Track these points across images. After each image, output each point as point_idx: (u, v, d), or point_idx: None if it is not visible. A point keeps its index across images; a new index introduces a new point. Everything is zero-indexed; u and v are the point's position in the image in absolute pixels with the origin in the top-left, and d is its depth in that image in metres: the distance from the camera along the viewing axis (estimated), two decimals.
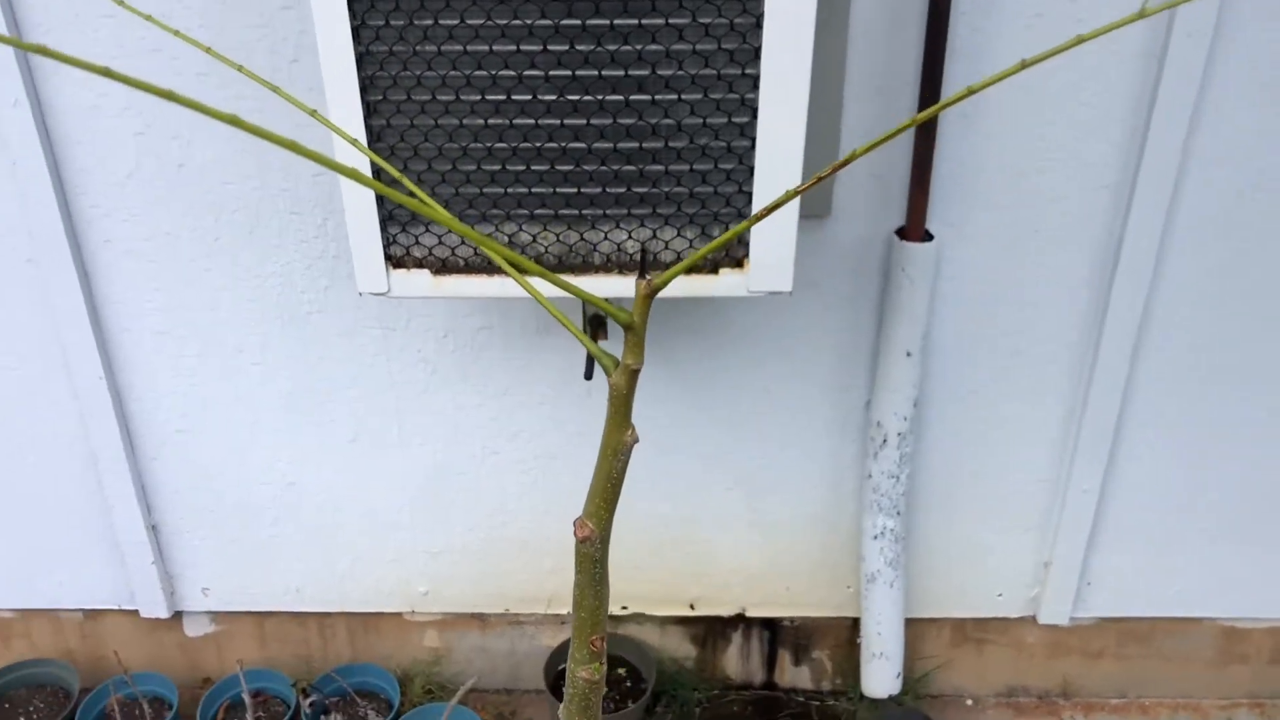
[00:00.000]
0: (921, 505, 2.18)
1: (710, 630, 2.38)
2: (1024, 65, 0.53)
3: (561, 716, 0.75)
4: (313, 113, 0.86)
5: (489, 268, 1.46)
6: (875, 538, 2.14)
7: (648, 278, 0.56)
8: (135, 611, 2.34)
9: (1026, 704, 2.44)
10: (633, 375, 0.59)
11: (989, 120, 1.82)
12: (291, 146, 0.50)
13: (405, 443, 2.14)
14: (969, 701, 2.44)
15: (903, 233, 1.89)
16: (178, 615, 2.35)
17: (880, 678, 2.28)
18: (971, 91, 0.56)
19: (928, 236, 1.88)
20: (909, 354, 1.96)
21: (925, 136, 1.79)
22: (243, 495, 2.20)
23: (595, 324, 1.94)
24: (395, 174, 0.78)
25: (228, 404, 2.10)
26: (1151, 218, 1.87)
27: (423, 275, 1.47)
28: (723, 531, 2.23)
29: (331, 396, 2.09)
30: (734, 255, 1.45)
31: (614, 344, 2.00)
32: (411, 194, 1.23)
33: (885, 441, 2.04)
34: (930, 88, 1.76)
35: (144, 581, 2.26)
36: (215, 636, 2.38)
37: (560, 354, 2.04)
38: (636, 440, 0.62)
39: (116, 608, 2.33)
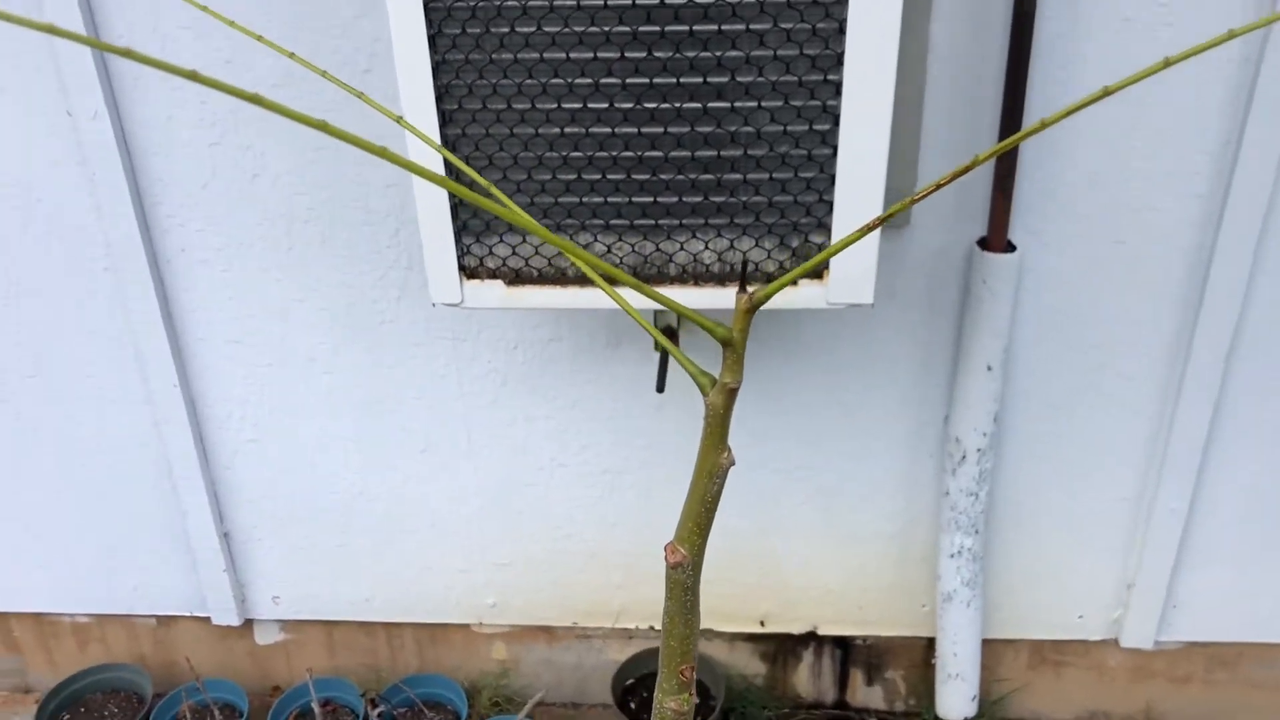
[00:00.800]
0: (1000, 523, 2.12)
1: (781, 647, 2.33)
2: (1106, 92, 0.50)
3: None
4: (398, 119, 0.84)
5: (563, 278, 1.44)
6: (952, 556, 2.09)
7: (749, 291, 0.53)
8: (207, 619, 2.35)
9: None
10: (730, 394, 0.56)
11: (1073, 126, 1.76)
12: (380, 152, 0.48)
13: (474, 453, 2.13)
14: None
15: (984, 243, 1.84)
16: (248, 623, 2.36)
17: (955, 700, 2.22)
18: (1044, 125, 0.52)
19: (1010, 247, 1.83)
20: (989, 368, 1.90)
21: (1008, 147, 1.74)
22: (313, 504, 2.20)
23: (667, 335, 1.91)
24: (477, 178, 0.76)
25: (299, 413, 2.11)
26: (1245, 228, 1.80)
27: (496, 286, 1.45)
28: (795, 547, 2.19)
29: (402, 406, 2.09)
30: (815, 269, 1.41)
31: (688, 351, 1.97)
32: (494, 199, 1.22)
33: (964, 458, 1.99)
34: (1014, 95, 1.71)
35: (216, 589, 2.28)
36: (285, 645, 2.39)
37: (630, 366, 2.01)
38: (732, 463, 0.59)
39: (189, 614, 2.35)
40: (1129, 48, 1.70)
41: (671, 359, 1.93)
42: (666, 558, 0.62)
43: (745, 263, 0.45)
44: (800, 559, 2.20)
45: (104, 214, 1.91)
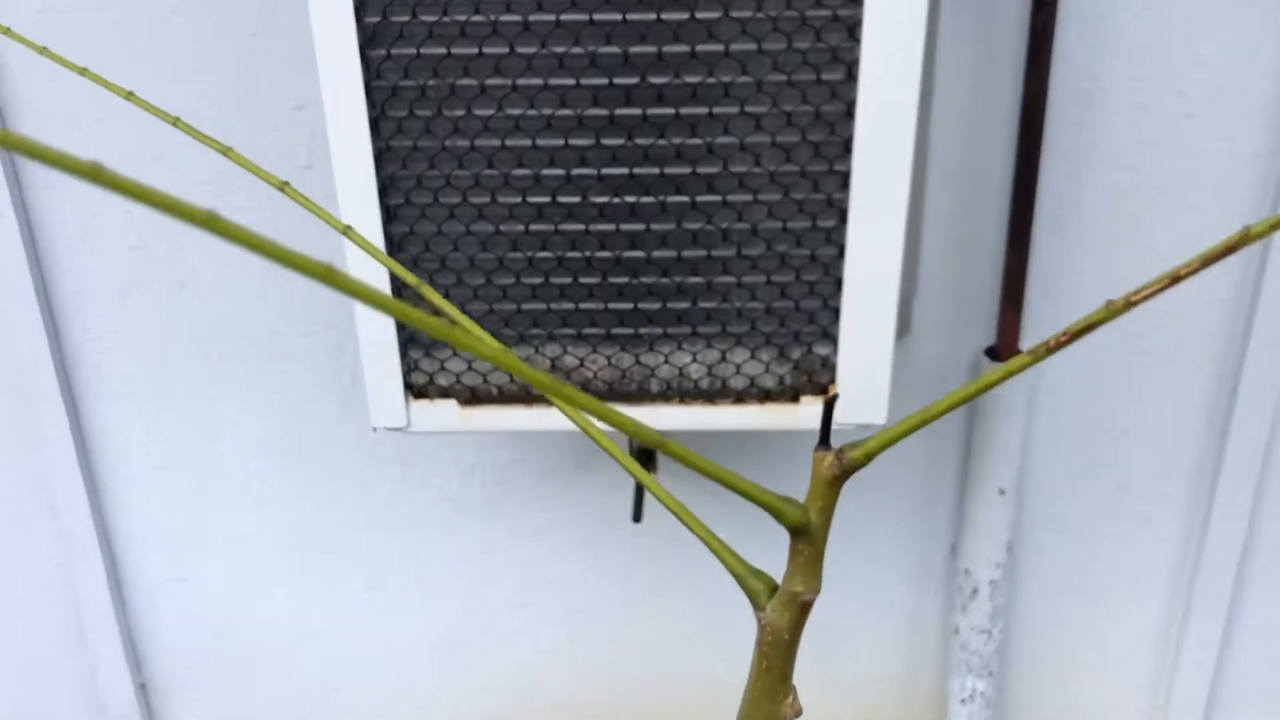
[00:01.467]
0: (1015, 664, 1.91)
1: None
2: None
3: None
4: (345, 229, 0.65)
5: (527, 397, 1.24)
6: (964, 702, 1.87)
7: (836, 450, 0.33)
8: None
9: None
10: (803, 609, 0.36)
11: (1087, 228, 1.61)
12: (324, 275, 0.28)
13: (425, 592, 1.90)
14: None
15: (993, 353, 1.66)
16: None
17: None
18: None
19: None
20: (1002, 491, 1.71)
21: (1018, 248, 1.58)
22: (244, 651, 1.95)
23: (644, 457, 1.71)
24: (437, 300, 0.57)
25: (229, 548, 1.87)
26: (1275, 334, 1.64)
27: (449, 406, 1.25)
28: None
29: (343, 540, 1.86)
30: (818, 381, 1.22)
31: (665, 479, 1.77)
32: (445, 316, 1.03)
33: (975, 592, 1.79)
34: (1024, 192, 1.55)
35: None
36: None
37: (602, 490, 1.80)
38: (799, 712, 0.38)
39: None
40: (1149, 139, 1.55)
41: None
42: None
43: (832, 400, 0.29)
44: None
45: (8, 327, 1.69)
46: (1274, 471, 1.75)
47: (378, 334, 1.21)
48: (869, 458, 0.34)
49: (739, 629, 1.90)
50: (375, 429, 1.32)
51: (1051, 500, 1.78)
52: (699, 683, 1.94)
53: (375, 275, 1.18)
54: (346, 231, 0.66)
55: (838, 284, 1.16)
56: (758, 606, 0.37)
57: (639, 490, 1.65)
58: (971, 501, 1.74)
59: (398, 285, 1.17)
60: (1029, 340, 1.67)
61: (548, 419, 1.25)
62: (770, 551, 1.83)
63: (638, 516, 1.64)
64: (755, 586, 0.38)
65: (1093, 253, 1.62)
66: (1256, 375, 1.66)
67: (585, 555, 1.86)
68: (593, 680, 1.95)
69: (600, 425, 1.24)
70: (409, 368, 1.23)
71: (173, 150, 1.60)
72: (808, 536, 0.34)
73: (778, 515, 0.34)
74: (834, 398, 0.32)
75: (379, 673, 1.96)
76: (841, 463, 0.33)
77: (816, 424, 1.24)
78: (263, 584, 1.90)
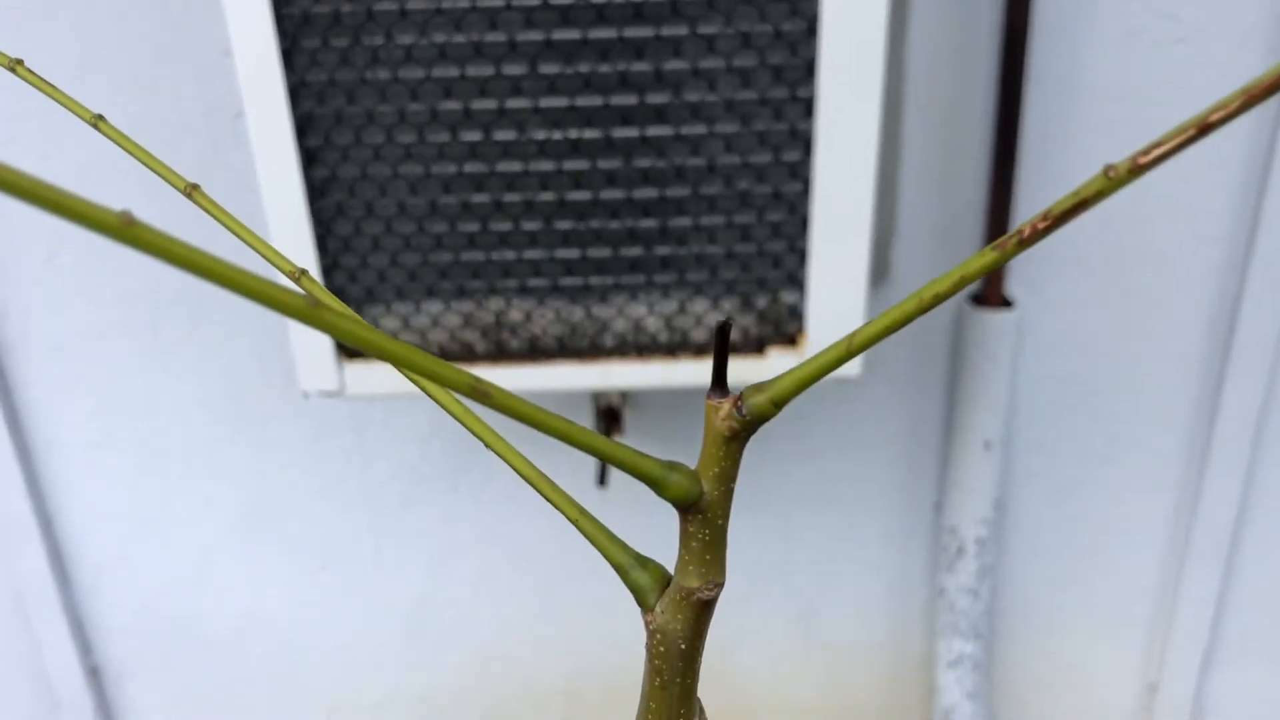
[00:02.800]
0: (1004, 625, 1.83)
1: None
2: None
3: None
4: (301, 274, 0.55)
5: (470, 355, 1.14)
6: (951, 665, 1.78)
7: (734, 396, 0.23)
8: None
9: None
10: (699, 610, 0.27)
11: (1076, 164, 1.50)
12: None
13: (384, 566, 1.80)
14: None
15: (977, 298, 1.57)
16: None
17: None
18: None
19: (1006, 303, 1.56)
20: (988, 445, 1.62)
21: (1002, 180, 1.48)
22: (197, 631, 1.86)
23: (608, 418, 1.62)
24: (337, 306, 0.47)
25: (176, 525, 1.77)
26: (1275, 274, 1.55)
27: (385, 368, 1.14)
28: (768, 659, 1.87)
29: (295, 514, 1.76)
30: (785, 331, 1.12)
31: (632, 440, 1.67)
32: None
33: (961, 551, 1.70)
34: (1007, 126, 1.45)
35: None
36: None
37: (568, 453, 1.70)
38: None
39: None
40: (1137, 66, 1.45)
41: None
42: None
43: (726, 326, 0.22)
44: (773, 673, 1.89)
45: None
46: (1271, 421, 1.66)
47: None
48: (778, 406, 0.24)
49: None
50: (306, 394, 1.22)
51: (1040, 454, 1.69)
52: None
53: (298, 242, 1.07)
54: (302, 275, 0.55)
55: (804, 224, 1.06)
56: (645, 606, 0.28)
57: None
58: (956, 456, 1.65)
59: (322, 239, 1.07)
60: (1015, 285, 1.57)
61: (495, 379, 1.15)
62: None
63: (603, 479, 1.54)
64: (640, 581, 0.28)
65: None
66: (1252, 321, 1.57)
67: (551, 524, 1.76)
68: (562, 652, 1.87)
69: (511, 384, 1.15)
70: None
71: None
72: (702, 514, 0.25)
73: (658, 487, 0.25)
74: (727, 322, 0.22)
75: (339, 652, 1.87)
76: (742, 413, 0.24)
77: None
78: (214, 561, 1.80)
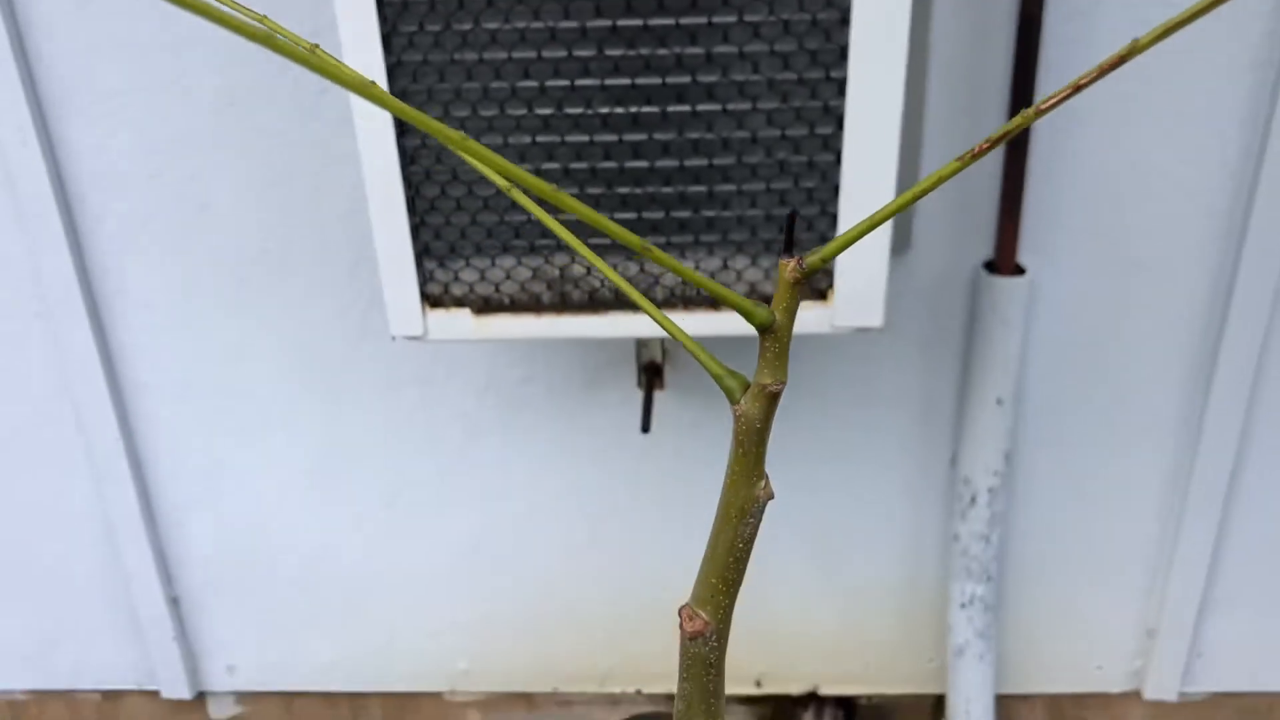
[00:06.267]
0: (1013, 570, 1.97)
1: (778, 711, 2.16)
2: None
3: None
4: (371, 86, 0.70)
5: (537, 305, 1.29)
6: (963, 606, 1.93)
7: (796, 256, 0.38)
8: (156, 692, 2.16)
9: None
10: (772, 400, 0.42)
11: (1084, 139, 1.64)
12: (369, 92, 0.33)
13: (443, 506, 1.96)
14: None
15: (991, 266, 1.71)
16: (201, 696, 2.17)
17: None
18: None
19: (1019, 270, 1.70)
20: (1000, 401, 1.76)
21: (1016, 156, 1.62)
22: (270, 565, 2.03)
23: (651, 372, 1.77)
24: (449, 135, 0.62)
25: (253, 466, 1.94)
26: (1269, 245, 1.68)
27: (463, 315, 1.30)
28: (793, 601, 2.03)
29: (364, 458, 1.92)
30: (816, 286, 1.27)
31: (671, 394, 1.83)
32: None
33: (974, 500, 1.84)
34: (1021, 105, 1.58)
35: (165, 659, 2.09)
36: (241, 719, 2.20)
37: (610, 407, 1.86)
38: (771, 495, 0.44)
39: (136, 688, 2.16)
40: (1146, 53, 1.57)
41: (658, 395, 1.78)
42: (682, 625, 0.47)
43: (792, 217, 0.33)
44: (797, 612, 2.04)
45: (35, 253, 1.75)
46: (1267, 379, 1.79)
47: (394, 245, 1.26)
48: (824, 262, 0.39)
49: None
50: (394, 337, 1.37)
51: (1048, 410, 1.83)
52: None
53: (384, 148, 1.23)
54: (372, 86, 0.70)
55: (835, 190, 1.21)
56: (733, 401, 0.43)
57: (648, 401, 1.70)
58: (970, 411, 1.79)
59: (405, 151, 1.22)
60: (1027, 254, 1.71)
61: (558, 326, 1.30)
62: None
63: (646, 427, 1.70)
64: (731, 384, 0.43)
65: (1090, 161, 1.65)
66: (1249, 284, 1.70)
67: (596, 467, 1.92)
68: (606, 582, 2.02)
69: (574, 331, 1.30)
70: (425, 278, 1.28)
71: (184, 77, 1.64)
72: (774, 334, 0.39)
73: (748, 316, 0.39)
74: (795, 213, 0.36)
75: (402, 583, 2.04)
76: (802, 267, 0.38)
77: (815, 329, 1.29)
78: (288, 500, 1.97)
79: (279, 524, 1.99)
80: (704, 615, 0.47)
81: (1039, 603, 2.01)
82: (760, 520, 0.45)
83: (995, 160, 1.65)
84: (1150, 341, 1.78)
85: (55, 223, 1.72)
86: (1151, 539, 1.95)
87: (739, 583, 0.46)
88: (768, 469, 0.45)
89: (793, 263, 0.38)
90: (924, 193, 0.38)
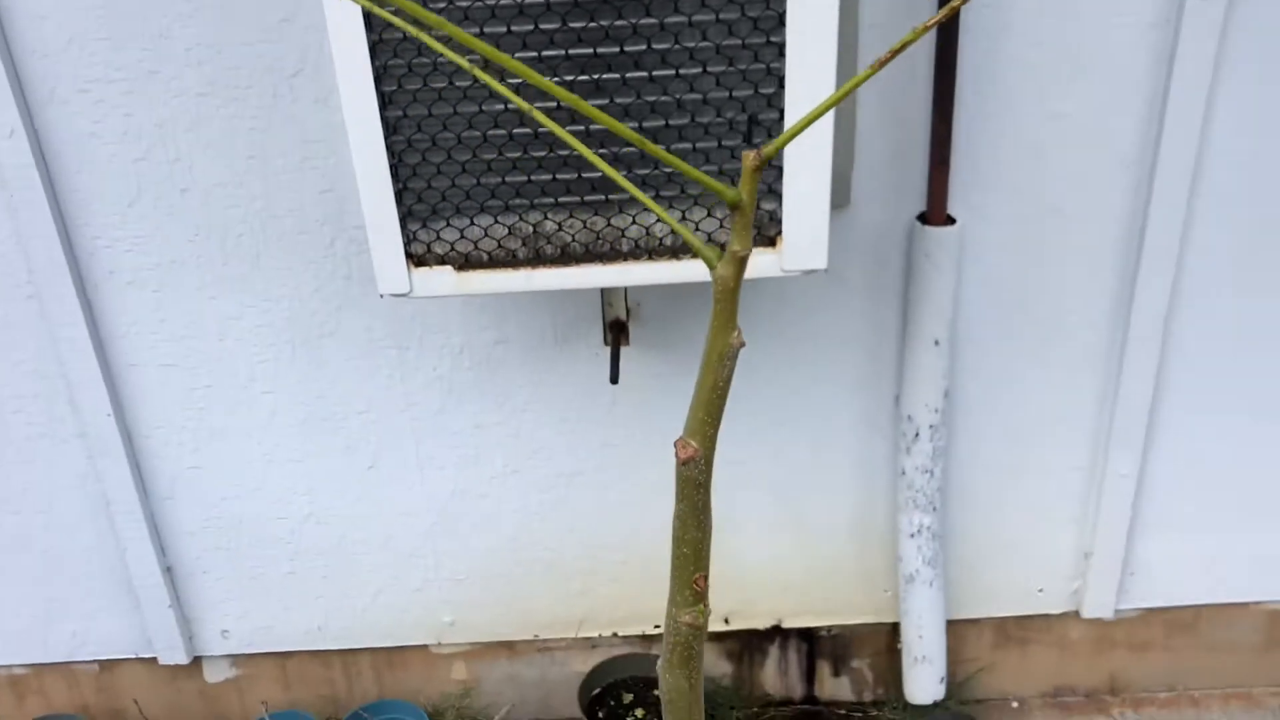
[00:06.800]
0: (956, 501, 2.13)
1: (746, 645, 2.31)
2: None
3: (660, 670, 0.69)
4: None
5: (513, 260, 1.42)
6: (912, 536, 2.09)
7: (756, 145, 0.51)
8: (153, 660, 2.26)
9: (1074, 703, 2.37)
10: (741, 264, 0.54)
11: (1005, 97, 1.79)
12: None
13: (424, 466, 2.08)
14: (1014, 704, 2.37)
15: (924, 217, 1.85)
16: (197, 661, 2.27)
17: (923, 683, 2.21)
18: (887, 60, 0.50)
19: (950, 220, 1.85)
20: (937, 342, 1.91)
21: (943, 115, 1.76)
22: (260, 531, 2.13)
23: (616, 329, 1.90)
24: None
25: (241, 436, 2.04)
26: (1175, 190, 1.84)
27: (445, 272, 1.42)
28: (754, 540, 2.17)
29: (347, 422, 2.04)
30: (767, 234, 1.41)
31: (636, 350, 1.95)
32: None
33: (917, 435, 1.99)
34: (946, 67, 1.73)
35: (161, 627, 2.19)
36: (236, 681, 2.31)
37: (580, 363, 1.99)
38: (743, 344, 0.57)
39: (133, 656, 2.25)
40: (1051, 14, 1.73)
41: (624, 351, 1.91)
42: (676, 454, 0.60)
43: (751, 117, 0.43)
44: (759, 552, 2.19)
45: (24, 238, 1.84)
46: (1179, 317, 1.95)
47: (380, 210, 1.38)
48: (778, 150, 0.51)
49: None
50: (382, 295, 1.49)
51: (983, 350, 1.99)
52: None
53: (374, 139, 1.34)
54: None
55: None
56: (711, 267, 0.55)
57: (615, 353, 1.83)
58: (911, 353, 1.94)
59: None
60: (957, 206, 1.86)
61: (533, 279, 1.43)
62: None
63: (615, 378, 1.83)
64: (709, 254, 0.56)
65: (1010, 117, 1.80)
66: (1159, 230, 1.86)
67: (568, 423, 2.04)
68: (580, 533, 2.15)
69: (549, 284, 1.42)
70: (409, 239, 1.40)
71: (166, 65, 1.73)
72: (741, 210, 0.52)
73: (720, 194, 0.52)
74: (752, 116, 0.49)
75: (385, 542, 2.15)
76: (760, 155, 0.51)
77: (767, 273, 1.43)
78: (274, 468, 2.07)
79: (267, 491, 2.09)
80: (694, 444, 0.60)
81: (982, 531, 2.17)
82: (735, 365, 0.58)
83: (924, 120, 1.80)
84: (1072, 283, 1.93)
85: (44, 209, 1.81)
86: (1083, 467, 2.11)
87: (720, 417, 0.59)
88: (730, 418, 0.57)
89: (753, 153, 0.51)
90: (857, 85, 0.51)
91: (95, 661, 2.28)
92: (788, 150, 1.34)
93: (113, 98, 1.77)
